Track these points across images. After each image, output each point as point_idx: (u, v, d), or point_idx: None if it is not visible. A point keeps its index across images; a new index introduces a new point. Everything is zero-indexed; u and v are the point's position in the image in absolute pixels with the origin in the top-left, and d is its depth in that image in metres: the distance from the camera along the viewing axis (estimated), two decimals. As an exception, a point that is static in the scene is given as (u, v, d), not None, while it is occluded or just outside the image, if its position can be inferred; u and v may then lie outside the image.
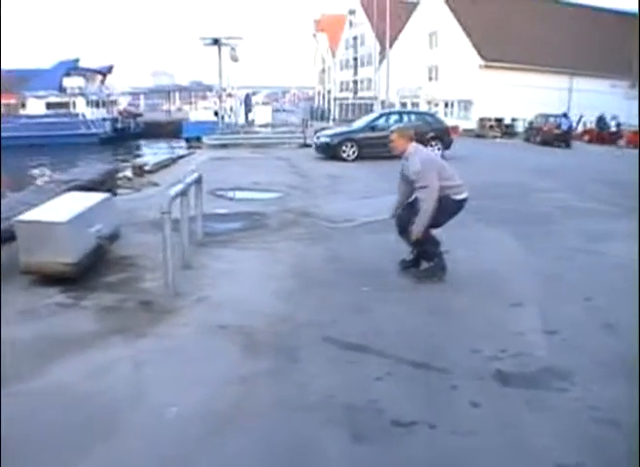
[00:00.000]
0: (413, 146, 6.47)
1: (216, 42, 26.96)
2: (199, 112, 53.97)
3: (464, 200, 6.49)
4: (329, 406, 3.88)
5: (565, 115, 33.98)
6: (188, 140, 39.84)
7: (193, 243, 7.37)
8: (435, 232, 6.51)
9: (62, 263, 6.30)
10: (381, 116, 23.42)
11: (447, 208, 6.35)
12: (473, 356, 4.66)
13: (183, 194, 6.83)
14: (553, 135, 32.08)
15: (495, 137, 39.56)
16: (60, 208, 6.82)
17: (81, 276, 6.47)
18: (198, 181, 7.87)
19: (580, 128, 36.78)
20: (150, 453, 3.39)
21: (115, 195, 9.93)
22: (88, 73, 57.11)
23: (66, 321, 5.44)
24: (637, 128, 31.87)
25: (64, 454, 3.37)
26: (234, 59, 26.89)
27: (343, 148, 21.04)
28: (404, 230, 6.54)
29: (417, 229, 6.25)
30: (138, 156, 39.64)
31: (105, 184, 9.91)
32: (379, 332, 5.11)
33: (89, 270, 6.68)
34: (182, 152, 28.95)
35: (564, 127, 32.42)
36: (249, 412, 3.82)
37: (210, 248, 7.93)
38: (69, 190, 8.29)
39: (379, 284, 6.43)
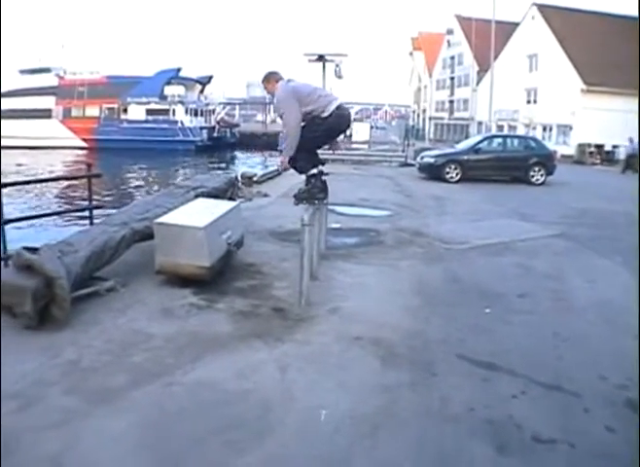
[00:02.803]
0: (280, 83, 6.83)
1: (321, 58, 27.25)
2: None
3: (330, 116, 6.74)
4: (470, 418, 4.07)
5: (631, 140, 33.02)
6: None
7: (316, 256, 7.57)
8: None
9: (198, 266, 6.55)
10: (485, 139, 23.51)
11: (318, 127, 6.72)
12: (601, 382, 4.75)
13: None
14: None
15: (594, 164, 38.50)
16: (196, 213, 7.08)
17: (212, 280, 6.74)
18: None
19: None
20: (308, 453, 3.61)
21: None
22: (188, 82, 58.65)
23: (204, 322, 5.73)
24: None
25: (223, 449, 3.62)
26: (339, 76, 27.02)
27: (447, 169, 21.23)
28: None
29: (286, 150, 6.78)
30: (229, 166, 40.54)
31: (227, 192, 10.34)
32: (507, 352, 5.25)
33: (219, 275, 6.97)
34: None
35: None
36: (396, 418, 4.03)
37: (333, 261, 8.15)
38: (197, 196, 8.66)
39: (501, 307, 6.57)
